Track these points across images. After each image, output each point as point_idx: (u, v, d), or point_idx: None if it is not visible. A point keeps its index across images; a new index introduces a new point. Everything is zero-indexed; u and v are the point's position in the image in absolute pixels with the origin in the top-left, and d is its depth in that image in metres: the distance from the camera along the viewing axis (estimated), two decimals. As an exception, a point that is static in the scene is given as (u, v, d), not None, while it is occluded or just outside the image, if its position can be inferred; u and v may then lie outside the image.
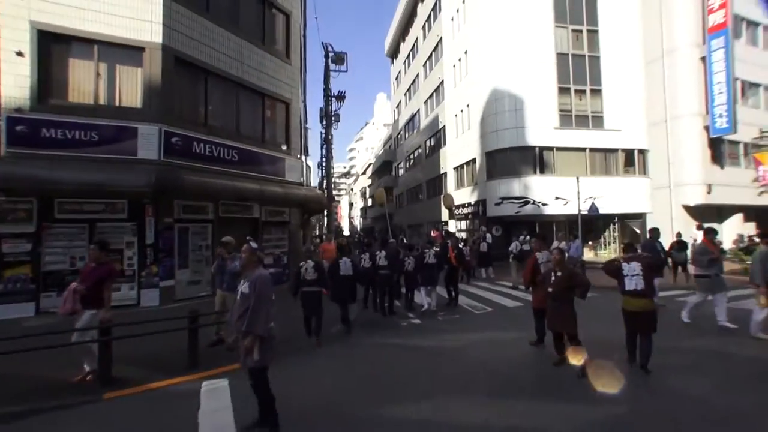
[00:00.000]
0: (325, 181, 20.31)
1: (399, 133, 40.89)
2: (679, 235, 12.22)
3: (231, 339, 3.99)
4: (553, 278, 5.46)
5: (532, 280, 6.32)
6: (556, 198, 18.58)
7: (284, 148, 13.47)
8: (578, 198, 14.78)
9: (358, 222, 78.50)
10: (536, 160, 19.18)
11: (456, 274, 10.38)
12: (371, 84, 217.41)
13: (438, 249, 10.40)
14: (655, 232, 9.30)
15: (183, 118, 10.09)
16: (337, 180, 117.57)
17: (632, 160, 20.00)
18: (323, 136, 20.24)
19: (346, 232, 66.07)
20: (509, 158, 19.64)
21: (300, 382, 5.19)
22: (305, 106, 27.19)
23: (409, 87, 35.93)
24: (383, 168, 47.83)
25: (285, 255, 13.16)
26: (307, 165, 40.29)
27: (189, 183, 9.42)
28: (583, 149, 19.39)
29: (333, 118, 20.79)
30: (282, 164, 13.11)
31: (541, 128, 19.10)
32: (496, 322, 8.22)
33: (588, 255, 19.67)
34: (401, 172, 40.19)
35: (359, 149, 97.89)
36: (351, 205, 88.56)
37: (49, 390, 4.96)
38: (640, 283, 5.13)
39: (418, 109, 33.13)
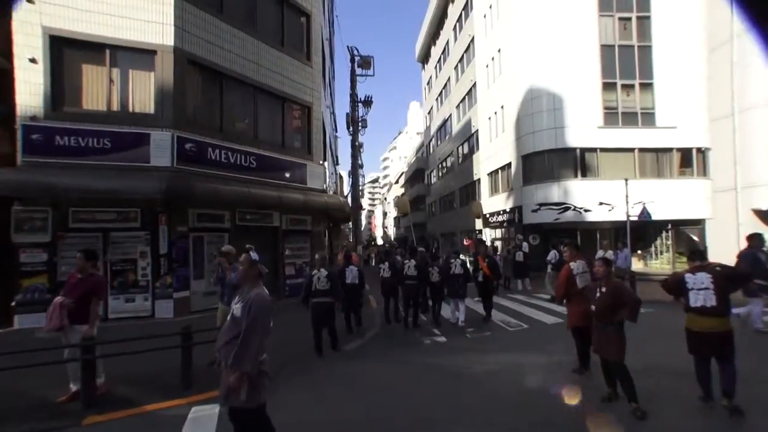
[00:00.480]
0: (353, 189, 19.89)
1: (431, 140, 40.17)
2: None
3: (216, 365, 3.28)
4: (597, 294, 4.56)
5: (566, 293, 5.44)
6: (600, 203, 17.16)
7: (305, 154, 13.14)
8: (627, 202, 13.44)
9: (392, 231, 77.97)
10: (577, 162, 17.86)
11: (489, 286, 9.42)
12: (404, 93, 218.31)
13: (464, 259, 9.62)
14: (758, 239, 7.07)
15: (197, 123, 9.91)
16: (371, 189, 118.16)
17: (689, 160, 18.18)
18: (351, 142, 19.92)
19: (380, 242, 65.74)
20: (547, 161, 18.43)
21: (300, 409, 4.56)
22: (334, 114, 27.17)
23: (441, 92, 35.23)
24: (415, 176, 47.16)
25: (307, 265, 12.71)
26: (339, 174, 40.40)
27: (202, 190, 9.15)
28: (631, 150, 17.87)
29: (360, 124, 20.41)
30: (303, 170, 12.74)
31: (583, 128, 17.80)
32: (532, 341, 7.26)
33: (637, 265, 18.02)
34: (434, 180, 39.37)
35: (393, 158, 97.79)
36: (385, 214, 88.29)
37: (28, 410, 4.60)
38: (711, 298, 4.14)
39: (450, 114, 32.32)
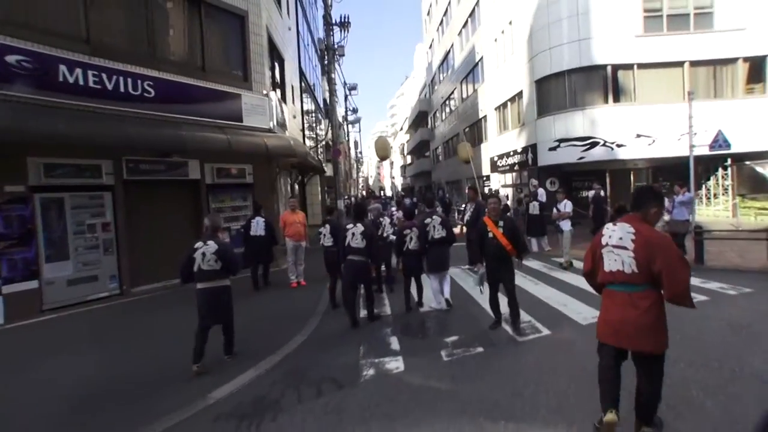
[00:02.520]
0: (331, 130, 16.11)
1: (433, 78, 35.37)
2: None
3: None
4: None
5: (592, 271, 2.82)
6: (638, 136, 13.24)
7: (239, 81, 9.49)
8: (690, 125, 9.53)
9: (399, 181, 74.17)
10: (608, 84, 13.71)
11: (508, 265, 4.93)
12: (413, 36, 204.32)
13: (442, 216, 6.32)
14: None
15: (37, 26, 6.37)
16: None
17: (760, 73, 13.76)
18: (327, 74, 15.95)
19: (389, 192, 62.25)
20: (568, 85, 14.30)
21: None
22: (321, 52, 22.88)
23: (441, 20, 30.05)
24: (418, 120, 42.67)
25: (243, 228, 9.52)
26: (338, 125, 36.27)
27: (44, 130, 5.81)
28: (680, 63, 13.54)
29: (336, 52, 16.35)
30: (236, 103, 9.19)
31: (616, 38, 13.48)
32: (555, 370, 3.83)
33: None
34: (437, 123, 35.05)
35: (400, 105, 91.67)
36: (392, 164, 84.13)
37: None
38: None
39: (452, 45, 27.48)
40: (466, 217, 8.55)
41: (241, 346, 4.54)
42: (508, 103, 18.54)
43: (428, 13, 35.30)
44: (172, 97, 7.96)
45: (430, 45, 35.41)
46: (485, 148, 22.17)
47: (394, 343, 4.75)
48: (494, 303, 5.04)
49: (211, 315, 4.18)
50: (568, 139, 14.09)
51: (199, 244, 4.18)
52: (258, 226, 7.68)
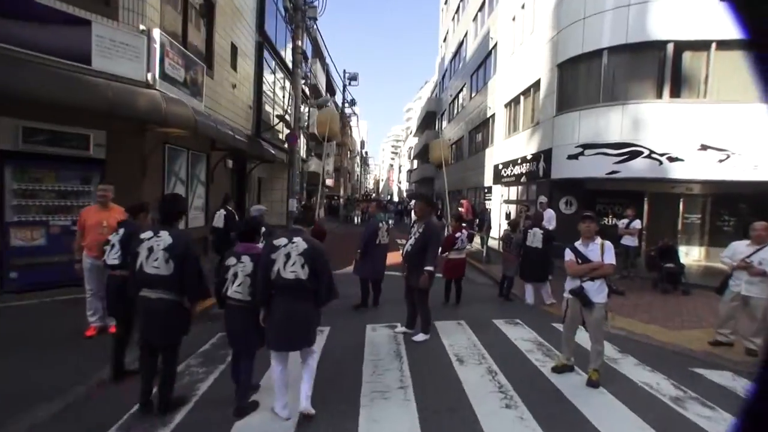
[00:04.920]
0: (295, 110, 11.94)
1: (444, 74, 31.18)
2: None
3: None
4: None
5: None
6: (704, 147, 8.85)
7: (93, 3, 5.52)
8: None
9: (405, 186, 69.97)
10: (665, 69, 9.30)
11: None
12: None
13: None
14: None
15: None
16: (395, 142, 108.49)
17: None
18: (292, 30, 11.83)
19: (396, 198, 58.34)
20: (605, 69, 9.95)
21: None
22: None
23: (458, 6, 25.81)
24: (426, 122, 38.42)
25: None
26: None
27: None
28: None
29: (304, 12, 12.29)
30: (81, 34, 5.29)
31: (681, 3, 9.12)
32: None
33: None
34: (444, 124, 30.82)
35: (416, 109, 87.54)
36: (399, 168, 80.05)
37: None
38: None
39: (466, 32, 23.25)
40: (409, 243, 5.06)
41: None
42: (521, 98, 14.24)
43: (445, 2, 31.13)
44: None
45: (445, 37, 31.20)
46: (489, 154, 17.88)
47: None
48: None
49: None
50: (596, 144, 9.76)
51: (147, 233, 2.96)
52: (219, 220, 7.02)
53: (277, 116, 14.47)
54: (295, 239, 3.09)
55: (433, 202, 4.98)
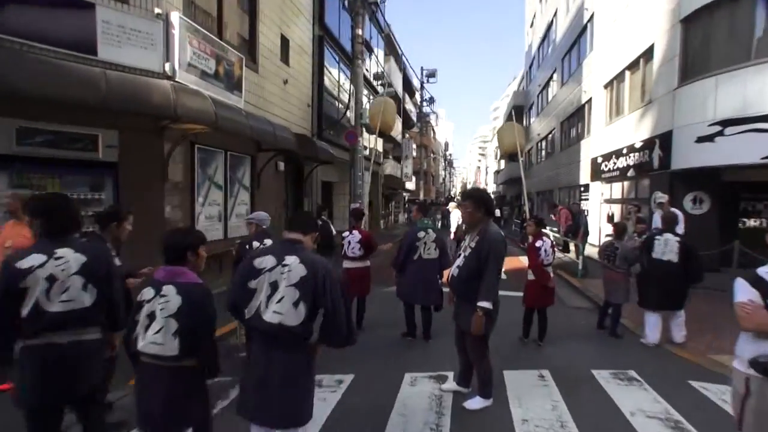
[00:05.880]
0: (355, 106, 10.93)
1: (531, 63, 28.06)
2: None
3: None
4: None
5: None
6: None
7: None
8: None
9: (492, 188, 65.99)
10: None
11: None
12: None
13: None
14: None
15: None
16: (482, 144, 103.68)
17: None
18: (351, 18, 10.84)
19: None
20: (757, 17, 7.13)
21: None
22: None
23: (547, -16, 22.84)
24: (513, 118, 35.17)
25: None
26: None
27: None
28: None
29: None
30: (84, 20, 4.89)
31: None
32: None
33: None
34: (532, 118, 27.72)
35: (502, 107, 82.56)
36: (486, 170, 76.03)
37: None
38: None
39: (555, 11, 20.30)
40: (456, 264, 3.50)
41: None
42: (626, 74, 11.42)
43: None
44: None
45: (531, 23, 28.06)
46: (585, 146, 15.01)
47: None
48: None
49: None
50: (745, 119, 6.97)
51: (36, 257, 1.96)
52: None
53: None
54: (288, 260, 2.01)
55: (487, 199, 3.23)
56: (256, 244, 3.51)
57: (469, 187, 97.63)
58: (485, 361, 3.24)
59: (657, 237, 4.67)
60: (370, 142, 17.54)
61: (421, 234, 4.79)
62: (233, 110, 6.13)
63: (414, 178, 34.53)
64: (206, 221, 6.85)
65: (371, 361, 4.21)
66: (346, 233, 5.20)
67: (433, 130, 48.49)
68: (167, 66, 5.46)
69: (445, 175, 72.37)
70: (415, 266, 4.74)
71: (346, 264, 5.15)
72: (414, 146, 32.55)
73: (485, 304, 2.93)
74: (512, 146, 7.51)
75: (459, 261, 3.22)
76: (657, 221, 5.79)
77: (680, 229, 5.38)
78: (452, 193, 75.19)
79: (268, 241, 3.55)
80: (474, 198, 3.22)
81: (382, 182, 24.15)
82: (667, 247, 4.52)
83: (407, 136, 29.81)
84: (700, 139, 7.60)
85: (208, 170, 6.92)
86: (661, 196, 6.69)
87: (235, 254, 3.54)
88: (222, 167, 7.28)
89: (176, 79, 5.51)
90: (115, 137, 5.15)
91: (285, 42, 9.37)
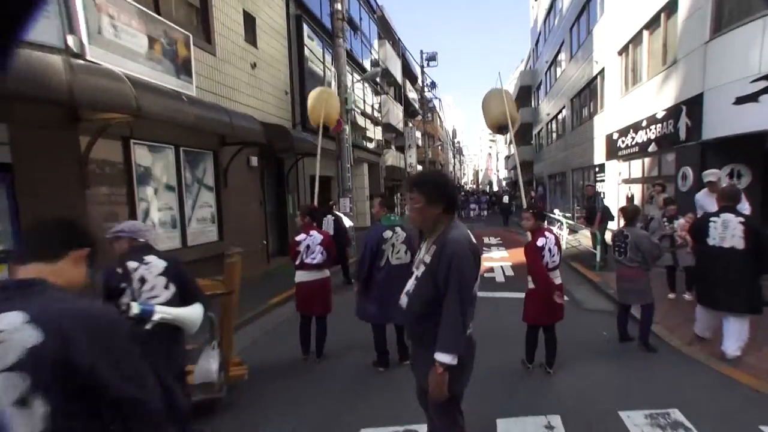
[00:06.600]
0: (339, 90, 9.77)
1: (537, 39, 26.33)
2: None
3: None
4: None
5: None
6: None
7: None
8: None
9: (504, 174, 63.88)
10: None
11: None
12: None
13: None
14: None
15: None
16: (492, 133, 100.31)
17: None
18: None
19: (495, 188, 53.24)
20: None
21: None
22: None
23: (551, -49, 21.08)
24: (521, 99, 33.41)
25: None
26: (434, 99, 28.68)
27: None
28: None
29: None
30: None
31: None
32: None
33: None
34: (541, 98, 26.11)
35: (510, 90, 79.86)
36: (497, 156, 73.91)
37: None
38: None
39: (562, -23, 18.63)
40: (408, 284, 2.16)
41: None
42: (643, 34, 9.96)
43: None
44: None
45: (537, -5, 26.26)
46: (599, 122, 13.54)
47: None
48: None
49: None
50: (798, 70, 5.59)
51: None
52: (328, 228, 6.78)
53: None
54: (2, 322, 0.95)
55: (445, 186, 1.90)
56: (133, 264, 2.43)
57: (481, 174, 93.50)
58: (455, 428, 2.11)
59: (712, 218, 3.47)
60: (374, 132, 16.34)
61: (388, 234, 3.72)
62: (167, 95, 5.06)
63: (419, 168, 33.23)
64: (157, 229, 5.87)
65: (328, 407, 3.16)
66: (301, 236, 4.13)
67: (439, 117, 46.86)
68: (71, 39, 4.41)
69: (455, 163, 70.51)
70: (383, 274, 3.68)
71: (301, 277, 4.09)
72: (418, 135, 31.20)
73: (444, 358, 1.79)
74: (501, 117, 6.04)
75: (410, 284, 2.08)
76: (704, 203, 4.57)
77: (745, 208, 4.08)
78: (462, 182, 73.27)
79: (151, 259, 2.48)
80: (425, 186, 1.95)
81: (384, 174, 22.98)
82: (727, 231, 3.34)
83: (410, 124, 28.46)
84: (740, 100, 6.22)
85: (154, 170, 5.90)
86: (711, 172, 5.27)
87: (103, 289, 2.46)
88: (173, 165, 6.26)
89: (88, 58, 4.48)
90: (4, 131, 4.14)
91: (250, 19, 8.26)
